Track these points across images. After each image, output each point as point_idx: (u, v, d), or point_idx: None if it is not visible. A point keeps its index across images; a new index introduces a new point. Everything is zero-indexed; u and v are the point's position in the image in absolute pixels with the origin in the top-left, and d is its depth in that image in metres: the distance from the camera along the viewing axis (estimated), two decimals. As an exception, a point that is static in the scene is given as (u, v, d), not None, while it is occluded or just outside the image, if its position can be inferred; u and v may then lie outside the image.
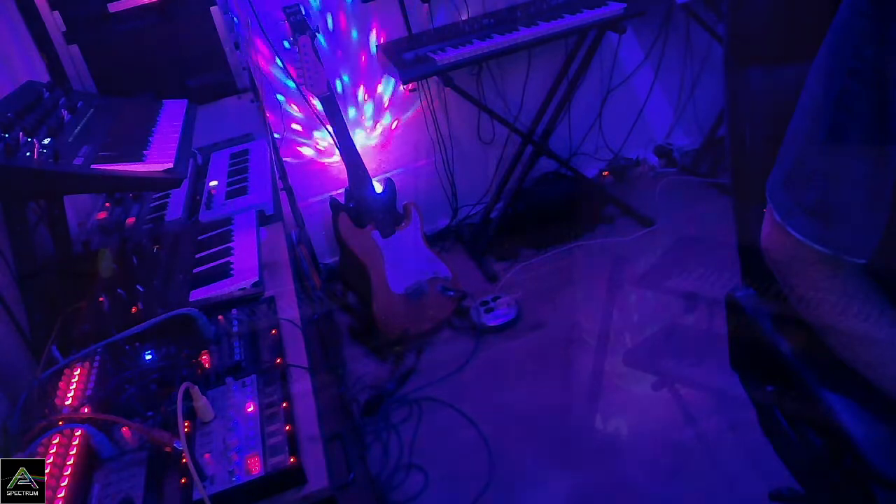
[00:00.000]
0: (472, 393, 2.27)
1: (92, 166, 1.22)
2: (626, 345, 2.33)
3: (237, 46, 2.30)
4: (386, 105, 2.98)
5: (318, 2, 2.72)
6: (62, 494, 0.86)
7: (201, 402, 0.94)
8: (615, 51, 3.11)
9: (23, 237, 1.34)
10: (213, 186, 1.78)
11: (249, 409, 0.95)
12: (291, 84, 2.77)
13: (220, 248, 1.43)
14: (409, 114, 3.02)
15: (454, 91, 2.57)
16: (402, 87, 2.94)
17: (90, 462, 0.93)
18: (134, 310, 1.22)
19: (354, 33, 2.82)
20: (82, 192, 1.60)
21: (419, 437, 2.15)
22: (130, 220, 1.68)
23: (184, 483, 0.86)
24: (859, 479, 0.89)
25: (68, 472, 0.89)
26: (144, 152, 1.35)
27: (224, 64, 2.26)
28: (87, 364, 1.12)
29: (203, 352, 1.10)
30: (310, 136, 2.93)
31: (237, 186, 1.76)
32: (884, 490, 0.86)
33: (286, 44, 2.40)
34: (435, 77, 2.54)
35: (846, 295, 0.85)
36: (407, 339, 2.50)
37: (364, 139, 2.99)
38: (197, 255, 1.42)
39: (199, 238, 1.50)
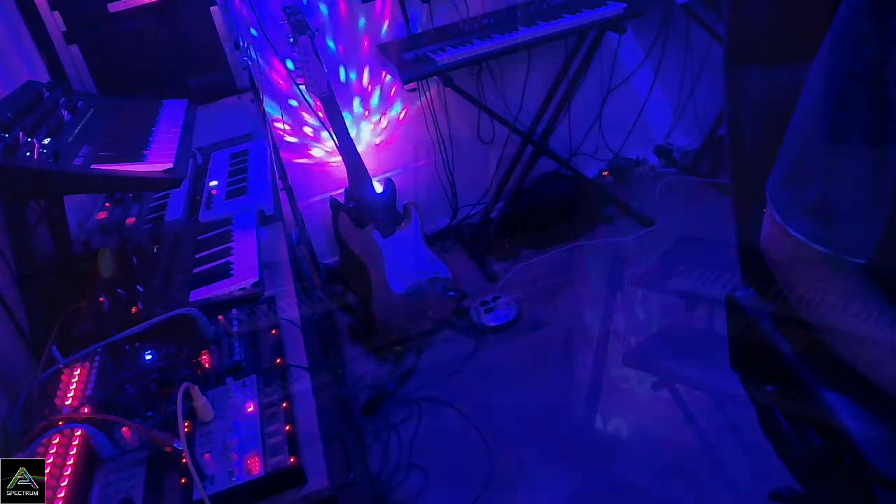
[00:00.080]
0: (472, 393, 2.27)
1: (92, 166, 1.22)
2: (626, 345, 2.33)
3: (237, 46, 2.30)
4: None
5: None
6: (62, 494, 0.86)
7: (201, 402, 0.94)
8: (615, 51, 3.11)
9: (23, 237, 1.34)
10: (214, 186, 1.78)
11: (249, 409, 0.95)
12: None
13: (220, 248, 1.43)
14: (411, 112, 3.02)
15: (454, 91, 2.57)
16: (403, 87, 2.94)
17: (90, 462, 0.93)
18: (134, 310, 1.22)
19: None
20: (82, 192, 1.60)
21: (419, 436, 2.15)
22: (130, 220, 1.68)
23: (184, 483, 0.86)
24: (859, 479, 0.89)
25: (68, 472, 0.89)
26: (144, 152, 1.35)
27: (224, 64, 2.26)
28: (87, 364, 1.12)
29: (203, 352, 1.10)
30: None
31: (237, 186, 1.76)
32: (884, 490, 0.86)
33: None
34: (435, 77, 2.54)
35: (846, 295, 0.85)
36: (407, 339, 2.51)
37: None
38: (197, 255, 1.42)
39: (199, 238, 1.50)
